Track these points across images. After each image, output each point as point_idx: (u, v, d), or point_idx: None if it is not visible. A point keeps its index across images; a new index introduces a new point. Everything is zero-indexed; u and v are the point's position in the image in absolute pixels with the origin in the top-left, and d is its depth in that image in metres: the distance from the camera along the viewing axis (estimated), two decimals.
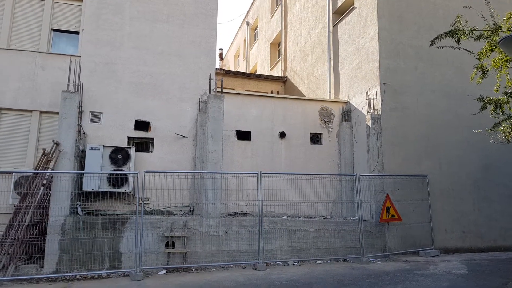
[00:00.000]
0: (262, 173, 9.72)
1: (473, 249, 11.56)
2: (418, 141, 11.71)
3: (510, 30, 8.20)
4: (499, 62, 8.73)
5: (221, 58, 25.97)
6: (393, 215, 10.82)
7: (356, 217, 10.64)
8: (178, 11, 11.54)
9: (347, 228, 10.48)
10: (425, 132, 11.82)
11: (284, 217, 10.67)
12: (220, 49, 25.91)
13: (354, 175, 11.14)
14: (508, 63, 8.36)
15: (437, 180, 11.61)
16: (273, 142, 12.06)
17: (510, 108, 9.26)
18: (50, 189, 8.59)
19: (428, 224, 11.17)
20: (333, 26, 14.30)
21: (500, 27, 8.47)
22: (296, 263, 9.68)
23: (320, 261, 9.88)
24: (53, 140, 8.90)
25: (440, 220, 11.43)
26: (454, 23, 8.85)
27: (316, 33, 15.50)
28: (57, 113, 9.39)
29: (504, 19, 8.56)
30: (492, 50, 8.71)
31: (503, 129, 9.31)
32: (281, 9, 19.29)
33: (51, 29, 10.83)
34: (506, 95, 9.12)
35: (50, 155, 8.74)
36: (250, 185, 9.77)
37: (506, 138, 9.40)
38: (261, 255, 9.13)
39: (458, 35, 8.75)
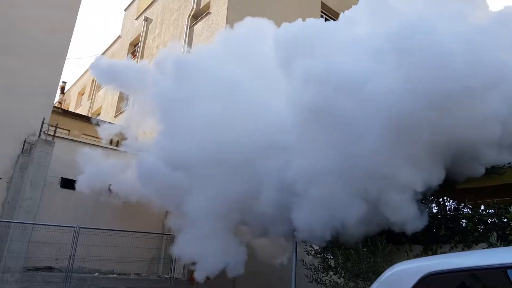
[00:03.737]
0: (80, 227, 8.63)
1: None
2: None
3: None
4: None
5: (62, 92, 22.74)
6: None
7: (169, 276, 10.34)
8: (21, 45, 9.87)
9: (158, 287, 10.04)
10: None
11: (96, 273, 9.54)
12: (63, 82, 22.80)
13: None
14: None
15: None
16: (101, 193, 10.91)
17: None
18: None
19: None
20: None
21: None
22: None
23: None
24: None
25: None
26: None
27: None
28: None
29: None
30: None
31: None
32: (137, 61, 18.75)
33: None
34: None
35: None
36: (65, 238, 8.52)
37: None
38: None
39: None
